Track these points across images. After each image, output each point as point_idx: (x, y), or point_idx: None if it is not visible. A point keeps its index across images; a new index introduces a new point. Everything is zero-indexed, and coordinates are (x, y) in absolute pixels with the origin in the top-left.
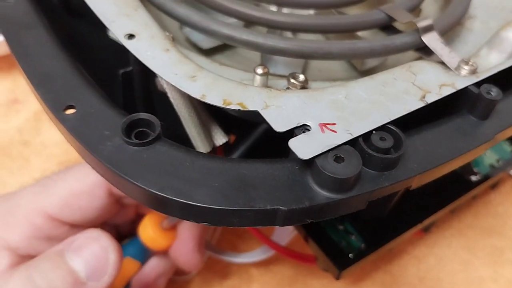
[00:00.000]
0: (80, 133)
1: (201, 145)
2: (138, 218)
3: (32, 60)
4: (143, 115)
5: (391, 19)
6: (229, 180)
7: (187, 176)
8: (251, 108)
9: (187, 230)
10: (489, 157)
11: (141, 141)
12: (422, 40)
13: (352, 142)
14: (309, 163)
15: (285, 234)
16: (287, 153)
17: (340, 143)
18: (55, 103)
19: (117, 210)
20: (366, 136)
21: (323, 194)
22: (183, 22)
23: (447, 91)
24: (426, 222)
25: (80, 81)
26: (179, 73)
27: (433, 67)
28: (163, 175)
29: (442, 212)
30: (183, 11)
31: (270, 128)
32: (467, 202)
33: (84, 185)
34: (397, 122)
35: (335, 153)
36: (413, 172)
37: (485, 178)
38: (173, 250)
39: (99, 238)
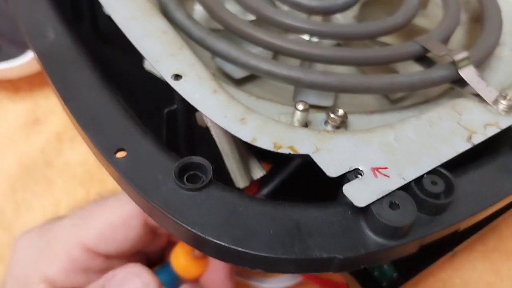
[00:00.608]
0: (133, 177)
1: (240, 180)
2: (169, 245)
3: (79, 101)
4: (196, 159)
5: (426, 50)
6: (285, 227)
7: (243, 223)
8: (301, 152)
9: None
10: None
11: (194, 186)
12: (458, 73)
13: (405, 187)
14: (364, 209)
15: None
16: (328, 188)
17: (394, 188)
18: (105, 146)
19: (151, 240)
20: (418, 180)
21: (378, 241)
22: (223, 57)
23: (492, 131)
24: (457, 249)
25: (129, 122)
26: (229, 115)
27: (476, 105)
28: (219, 222)
29: (472, 239)
30: (223, 47)
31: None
32: (489, 225)
33: (121, 217)
34: (445, 163)
35: (390, 199)
36: (463, 215)
37: None
38: (205, 278)
39: (140, 274)
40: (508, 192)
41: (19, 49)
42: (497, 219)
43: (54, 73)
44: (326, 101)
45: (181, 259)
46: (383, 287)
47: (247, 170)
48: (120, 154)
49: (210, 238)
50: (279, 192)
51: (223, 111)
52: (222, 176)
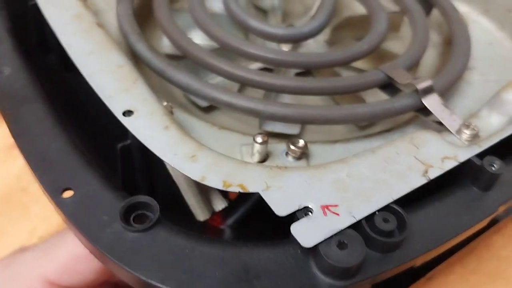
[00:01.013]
0: (79, 219)
1: (200, 213)
2: None
3: (30, 140)
4: (142, 198)
5: (391, 78)
6: (232, 269)
7: (188, 266)
8: (251, 190)
9: None
10: None
11: (140, 227)
12: (422, 102)
13: (355, 225)
14: (312, 249)
15: None
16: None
17: (343, 227)
18: (52, 186)
19: None
20: (369, 218)
21: (326, 281)
22: (183, 89)
23: (450, 165)
24: (433, 272)
25: (79, 162)
26: (179, 153)
27: (435, 137)
28: (163, 266)
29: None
30: (183, 79)
31: None
32: (469, 246)
33: (83, 248)
34: (399, 198)
35: (338, 238)
36: (417, 252)
37: (493, 223)
38: None
39: None
40: (466, 226)
41: None
42: (475, 240)
43: (6, 110)
44: (292, 130)
45: None
46: None
47: (207, 203)
48: (67, 194)
49: (154, 282)
50: (243, 222)
51: (173, 148)
52: (184, 207)
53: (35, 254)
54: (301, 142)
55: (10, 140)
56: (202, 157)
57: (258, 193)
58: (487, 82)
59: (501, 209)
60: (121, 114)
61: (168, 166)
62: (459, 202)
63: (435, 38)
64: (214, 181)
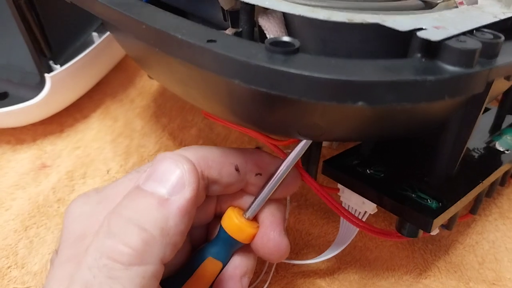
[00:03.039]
0: (230, 52)
1: None
2: (212, 224)
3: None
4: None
5: None
6: None
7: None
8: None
9: (271, 216)
10: None
11: (287, 49)
12: None
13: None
14: (439, 46)
15: (350, 234)
16: None
17: (455, 33)
18: (197, 38)
19: (202, 201)
20: (471, 32)
21: (454, 69)
22: None
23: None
24: (486, 182)
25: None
26: None
27: None
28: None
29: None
30: None
31: None
32: (497, 190)
33: None
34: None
35: (457, 38)
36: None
37: None
38: (259, 239)
39: (163, 158)
40: None
41: (27, 94)
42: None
43: None
44: None
45: (234, 219)
46: (435, 209)
47: None
48: (211, 44)
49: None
50: None
51: None
52: None
53: (131, 176)
54: None
55: (39, 161)
56: None
57: None
58: None
59: None
60: None
61: None
62: None
63: None
64: None
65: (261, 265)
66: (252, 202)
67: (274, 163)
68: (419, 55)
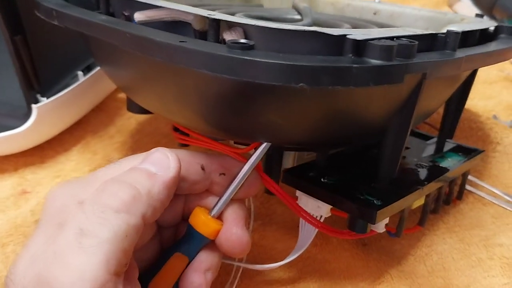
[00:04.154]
0: (198, 47)
1: None
2: (181, 228)
3: None
4: (242, 40)
5: None
6: None
7: None
8: None
9: (234, 213)
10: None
11: (244, 45)
12: None
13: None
14: (365, 47)
15: (309, 236)
16: None
17: (380, 36)
18: (171, 40)
19: (174, 188)
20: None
21: (376, 61)
22: None
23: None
24: (425, 190)
25: None
26: None
27: None
28: None
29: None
30: None
31: None
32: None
33: None
34: None
35: (379, 40)
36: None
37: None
38: (222, 234)
39: (156, 150)
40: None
41: (14, 123)
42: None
43: None
44: None
45: (201, 216)
46: (379, 204)
47: None
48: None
49: None
50: None
51: None
52: None
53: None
54: None
55: (20, 187)
56: None
57: None
58: None
59: None
60: None
61: None
62: None
63: None
64: None
65: (226, 276)
66: (217, 202)
67: (237, 164)
68: (350, 54)
